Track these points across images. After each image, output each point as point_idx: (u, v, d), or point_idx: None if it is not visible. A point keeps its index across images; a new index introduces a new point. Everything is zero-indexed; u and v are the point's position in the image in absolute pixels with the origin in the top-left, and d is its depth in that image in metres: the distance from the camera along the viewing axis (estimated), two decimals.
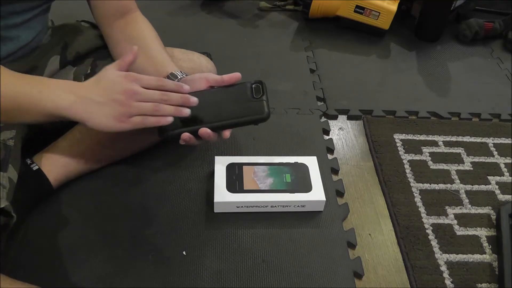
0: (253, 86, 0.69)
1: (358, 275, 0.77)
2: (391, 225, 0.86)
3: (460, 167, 0.99)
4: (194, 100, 0.65)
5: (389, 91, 1.20)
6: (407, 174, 0.96)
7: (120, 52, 0.81)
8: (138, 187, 0.87)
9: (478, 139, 1.07)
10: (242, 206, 0.83)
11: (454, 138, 1.06)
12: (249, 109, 0.67)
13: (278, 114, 1.08)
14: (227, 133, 0.68)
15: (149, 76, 0.66)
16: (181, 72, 0.74)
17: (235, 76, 0.70)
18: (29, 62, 0.79)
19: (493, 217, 0.89)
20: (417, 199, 0.91)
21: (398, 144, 1.03)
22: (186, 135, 0.66)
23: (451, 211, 0.90)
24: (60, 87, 0.62)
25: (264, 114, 0.66)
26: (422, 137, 1.06)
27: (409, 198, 0.91)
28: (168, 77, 0.73)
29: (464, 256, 0.82)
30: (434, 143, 1.05)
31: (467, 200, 0.92)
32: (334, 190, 0.91)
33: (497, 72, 1.31)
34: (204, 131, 0.66)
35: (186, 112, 0.65)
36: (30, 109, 0.61)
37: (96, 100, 0.62)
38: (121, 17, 0.81)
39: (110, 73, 0.64)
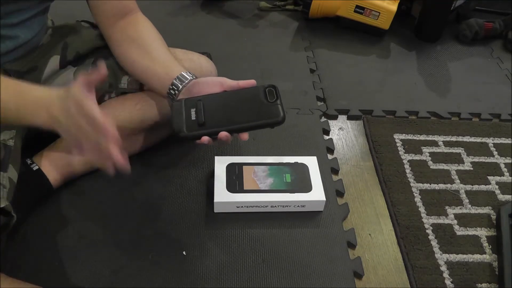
0: (267, 90, 0.69)
1: (358, 275, 0.77)
2: (391, 225, 0.87)
3: (460, 167, 0.99)
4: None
5: (389, 91, 1.20)
6: (407, 174, 0.96)
7: (122, 53, 0.81)
8: (138, 187, 0.87)
9: (478, 139, 1.07)
10: (242, 206, 0.83)
11: (454, 138, 1.06)
12: (265, 113, 0.67)
13: None
14: (245, 136, 0.68)
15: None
16: (190, 74, 0.74)
17: (251, 83, 0.70)
18: (29, 62, 0.79)
19: (493, 217, 0.89)
20: (417, 199, 0.91)
21: (398, 144, 1.03)
22: (205, 139, 0.66)
23: (451, 211, 0.90)
24: (36, 104, 0.59)
25: (279, 117, 0.66)
26: (422, 137, 1.06)
27: (409, 198, 0.91)
28: (176, 79, 0.73)
29: (464, 256, 0.82)
30: (434, 143, 1.05)
31: (467, 200, 0.92)
32: (334, 190, 0.91)
33: (497, 72, 1.31)
34: (224, 134, 0.66)
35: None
36: (10, 120, 0.62)
37: (63, 122, 0.58)
38: (122, 18, 0.81)
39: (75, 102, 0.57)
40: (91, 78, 0.57)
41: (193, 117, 0.67)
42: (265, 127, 0.68)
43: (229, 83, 0.71)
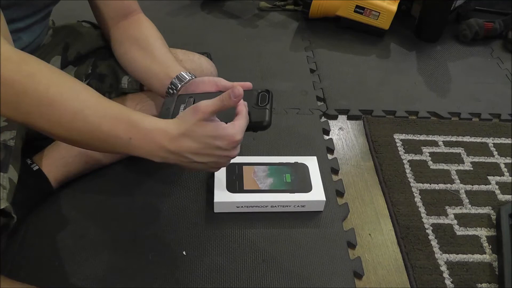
0: (260, 94, 0.68)
1: (358, 275, 0.77)
2: (391, 225, 0.87)
3: (460, 167, 0.99)
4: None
5: (389, 91, 1.20)
6: (407, 174, 0.96)
7: (124, 53, 0.81)
8: (138, 187, 0.87)
9: (478, 139, 1.07)
10: (242, 206, 0.83)
11: (454, 138, 1.06)
12: (251, 115, 0.66)
13: (278, 114, 1.08)
14: None
15: (243, 123, 0.63)
16: (189, 74, 0.74)
17: (247, 85, 0.70)
18: None
19: (493, 217, 0.89)
20: (417, 199, 0.91)
21: (398, 144, 1.03)
22: None
23: (451, 211, 0.90)
24: (151, 138, 0.57)
25: (264, 122, 0.66)
26: (422, 137, 1.06)
27: (409, 198, 0.91)
28: (175, 79, 0.73)
29: (464, 256, 0.82)
30: (434, 143, 1.05)
31: (467, 200, 0.92)
32: (334, 190, 0.91)
33: (497, 72, 1.31)
34: None
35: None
36: (112, 148, 0.59)
37: (194, 160, 0.60)
38: (124, 18, 0.81)
39: (220, 138, 0.60)
40: (219, 108, 0.59)
41: (181, 112, 0.67)
42: (248, 130, 0.67)
43: (224, 83, 0.71)
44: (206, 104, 0.58)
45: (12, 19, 0.70)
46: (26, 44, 0.76)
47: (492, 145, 1.06)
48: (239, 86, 0.59)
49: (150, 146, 0.58)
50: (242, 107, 0.63)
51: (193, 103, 0.68)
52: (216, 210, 0.83)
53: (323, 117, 1.10)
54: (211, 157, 0.61)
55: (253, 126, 0.67)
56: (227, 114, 0.64)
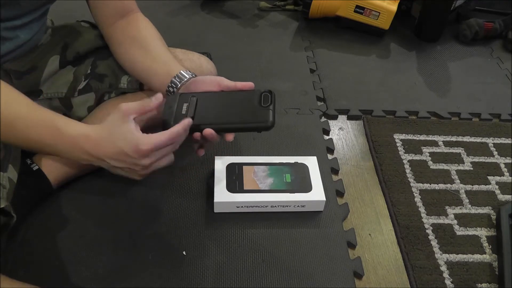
0: (263, 94, 0.68)
1: (358, 275, 0.77)
2: (391, 225, 0.87)
3: (460, 167, 0.99)
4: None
5: (389, 91, 1.20)
6: (407, 174, 0.96)
7: (123, 53, 0.81)
8: (138, 187, 0.87)
9: (478, 139, 1.07)
10: (242, 206, 0.83)
11: (454, 138, 1.06)
12: (254, 116, 0.67)
13: (278, 114, 1.06)
14: (230, 137, 0.69)
15: (162, 139, 0.62)
16: (189, 73, 0.74)
17: (249, 85, 0.70)
18: (29, 62, 0.79)
19: (493, 217, 0.89)
20: (417, 199, 0.91)
21: (398, 144, 1.03)
22: (196, 134, 0.67)
23: (451, 211, 0.90)
24: (75, 144, 0.61)
25: (268, 122, 0.66)
26: (422, 137, 1.06)
27: (409, 198, 0.91)
28: (175, 77, 0.73)
29: (464, 256, 0.82)
30: (434, 143, 1.05)
31: (467, 200, 0.92)
32: (334, 190, 0.91)
33: (497, 72, 1.31)
34: (209, 132, 0.66)
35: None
36: (46, 152, 0.66)
37: (112, 164, 0.63)
38: (122, 18, 0.81)
39: (127, 143, 0.60)
40: (140, 110, 0.62)
41: (184, 111, 0.68)
42: (252, 130, 0.68)
43: (226, 83, 0.71)
44: (127, 106, 0.61)
45: (9, 17, 0.70)
46: (23, 42, 0.76)
47: (492, 145, 1.06)
48: (161, 93, 0.63)
49: (74, 150, 0.61)
50: (178, 127, 0.63)
51: (196, 103, 0.68)
52: (216, 210, 0.83)
53: (323, 117, 1.10)
54: (123, 163, 0.62)
55: (257, 127, 0.67)
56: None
